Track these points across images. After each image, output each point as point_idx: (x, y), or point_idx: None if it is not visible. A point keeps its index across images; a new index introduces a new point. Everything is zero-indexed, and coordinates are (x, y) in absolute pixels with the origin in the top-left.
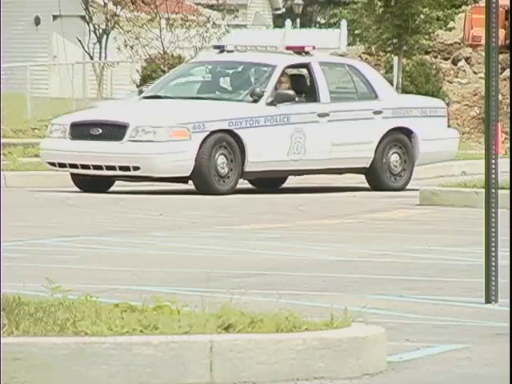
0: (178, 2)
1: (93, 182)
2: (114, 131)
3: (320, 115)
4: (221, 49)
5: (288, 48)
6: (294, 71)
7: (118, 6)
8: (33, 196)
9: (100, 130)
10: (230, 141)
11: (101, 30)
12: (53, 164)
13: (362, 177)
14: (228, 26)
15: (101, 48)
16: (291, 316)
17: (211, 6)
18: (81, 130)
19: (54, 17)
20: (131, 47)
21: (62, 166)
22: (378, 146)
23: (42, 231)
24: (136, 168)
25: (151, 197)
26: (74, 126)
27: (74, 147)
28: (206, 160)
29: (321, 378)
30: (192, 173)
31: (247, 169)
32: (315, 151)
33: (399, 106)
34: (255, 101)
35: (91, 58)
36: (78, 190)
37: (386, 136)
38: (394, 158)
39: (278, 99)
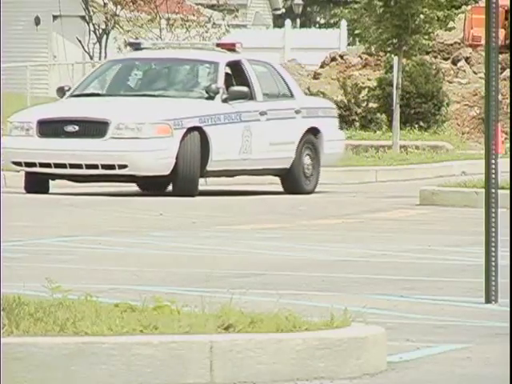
0: (178, 2)
1: (34, 183)
2: (92, 128)
3: (261, 113)
4: (135, 46)
5: (219, 45)
6: (227, 69)
7: (118, 6)
8: (33, 196)
9: (76, 128)
10: (201, 138)
11: (101, 30)
12: (18, 163)
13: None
14: (228, 26)
15: (101, 48)
16: (291, 316)
17: (211, 6)
18: (52, 128)
19: (54, 17)
20: None
21: (29, 165)
22: (297, 147)
23: (41, 231)
24: (122, 166)
25: (151, 197)
26: (42, 123)
27: (44, 145)
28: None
29: (321, 378)
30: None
31: (209, 168)
32: (259, 150)
33: (310, 106)
34: (211, 98)
35: (91, 58)
36: (23, 191)
37: (304, 136)
38: (306, 159)
39: (232, 96)
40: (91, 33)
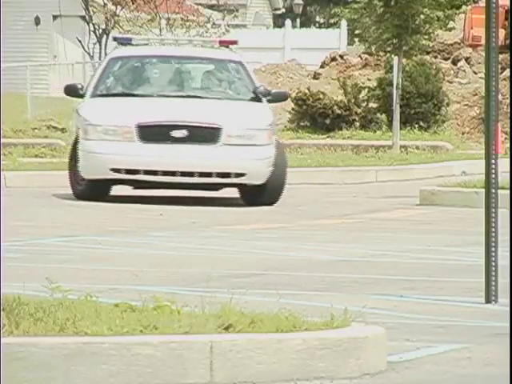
0: (178, 2)
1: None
2: (203, 134)
3: None
4: (125, 41)
5: (222, 42)
6: None
7: (118, 6)
8: (33, 196)
9: (185, 133)
10: None
11: (101, 30)
12: (117, 170)
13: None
14: (228, 26)
15: (101, 48)
16: (291, 316)
17: (211, 6)
18: (155, 133)
19: (54, 17)
20: None
21: (131, 172)
22: None
23: (42, 231)
24: (239, 175)
25: (151, 197)
26: (142, 127)
27: (149, 152)
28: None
29: (321, 378)
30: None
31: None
32: None
33: None
34: (259, 100)
35: (91, 57)
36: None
37: None
38: None
39: (276, 99)
40: (91, 33)
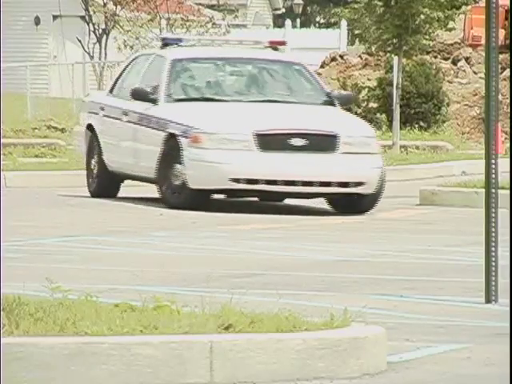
0: (178, 2)
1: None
2: (322, 142)
3: None
4: (174, 42)
5: (272, 43)
6: None
7: (118, 6)
8: (33, 196)
9: (304, 141)
10: None
11: (101, 30)
12: (237, 180)
13: None
14: (228, 26)
15: (101, 48)
16: (291, 316)
17: (211, 6)
18: (275, 141)
19: (54, 17)
20: (131, 47)
21: (252, 182)
22: None
23: (42, 231)
24: (359, 184)
25: (151, 197)
26: (261, 136)
27: (269, 161)
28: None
29: (321, 378)
30: None
31: None
32: None
33: None
34: (332, 104)
35: (91, 57)
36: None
37: None
38: None
39: (344, 102)
40: (91, 33)
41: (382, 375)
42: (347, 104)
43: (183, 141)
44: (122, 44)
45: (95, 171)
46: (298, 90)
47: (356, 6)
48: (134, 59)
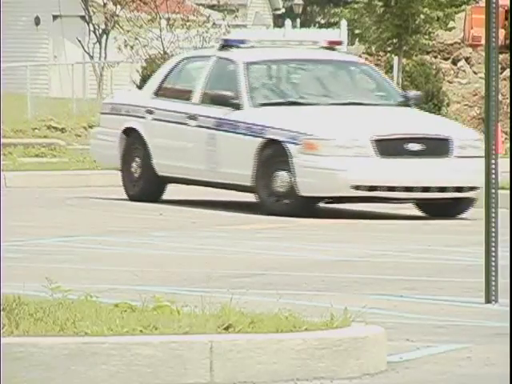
0: (178, 2)
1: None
2: (436, 146)
3: None
4: (236, 43)
5: (331, 43)
6: None
7: (118, 6)
8: (33, 196)
9: (420, 146)
10: None
11: (101, 30)
12: (358, 187)
13: None
14: (228, 26)
15: (101, 48)
16: (291, 316)
17: (211, 7)
18: (392, 147)
19: (54, 17)
20: (131, 47)
21: (372, 189)
22: None
23: (42, 231)
24: (473, 188)
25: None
26: (379, 141)
27: (389, 167)
28: None
29: (321, 378)
30: None
31: None
32: None
33: None
34: (408, 105)
35: (91, 58)
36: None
37: None
38: None
39: (418, 102)
40: (91, 33)
41: (381, 375)
42: (419, 104)
43: (292, 147)
44: (122, 44)
45: (136, 175)
46: (375, 91)
47: (356, 6)
48: (180, 61)
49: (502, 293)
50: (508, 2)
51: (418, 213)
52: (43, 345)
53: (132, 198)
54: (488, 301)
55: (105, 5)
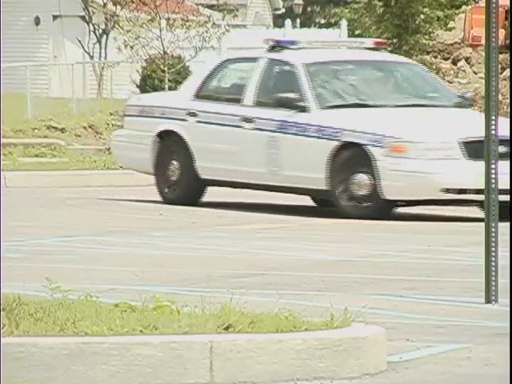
0: (178, 2)
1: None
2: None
3: None
4: (288, 44)
5: (377, 43)
6: None
7: (118, 6)
8: (33, 196)
9: (504, 148)
10: None
11: (101, 30)
12: (449, 190)
13: None
14: (228, 26)
15: (101, 48)
16: (291, 316)
17: (211, 6)
18: (480, 149)
19: (54, 17)
20: (131, 47)
21: (462, 192)
22: None
23: (42, 231)
24: None
25: (151, 197)
26: (467, 143)
27: (476, 169)
28: None
29: (321, 378)
30: None
31: None
32: None
33: None
34: (465, 106)
35: (91, 58)
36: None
37: None
38: None
39: (470, 104)
40: (91, 33)
41: (381, 375)
42: (471, 106)
43: (375, 150)
44: (122, 44)
45: (174, 178)
46: (430, 92)
47: (356, 6)
48: (221, 63)
49: (501, 293)
50: (508, 2)
51: (418, 212)
52: (43, 345)
53: (169, 202)
54: (488, 301)
55: (105, 5)
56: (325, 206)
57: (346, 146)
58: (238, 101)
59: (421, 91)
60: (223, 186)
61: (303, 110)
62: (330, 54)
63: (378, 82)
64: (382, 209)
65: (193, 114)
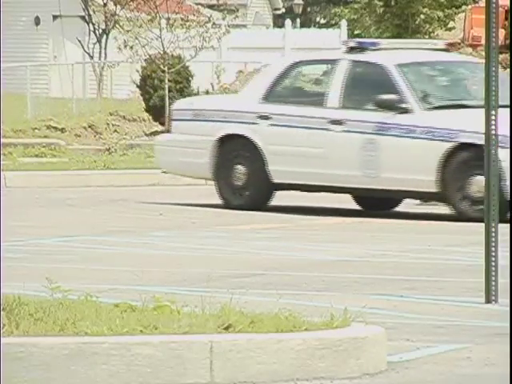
0: (178, 2)
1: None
2: None
3: None
4: (370, 46)
5: (449, 44)
6: None
7: (118, 6)
8: (33, 196)
9: None
10: None
11: (101, 30)
12: None
13: None
14: (228, 26)
15: (101, 48)
16: (291, 316)
17: (211, 6)
18: None
19: (54, 17)
20: (131, 47)
21: None
22: None
23: (42, 231)
24: None
25: (151, 197)
26: None
27: None
28: None
29: (321, 378)
30: None
31: None
32: None
33: None
34: None
35: (91, 58)
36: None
37: None
38: None
39: None
40: (91, 33)
41: (382, 375)
42: None
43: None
44: (122, 44)
45: (239, 183)
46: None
47: (356, 5)
48: (291, 65)
49: (502, 293)
50: (508, 2)
51: (419, 212)
52: (43, 345)
53: (235, 207)
54: (488, 301)
55: (105, 5)
56: (372, 209)
57: (463, 147)
58: (319, 103)
59: (505, 92)
60: (299, 189)
61: (404, 111)
62: (415, 55)
63: (467, 83)
64: (502, 210)
65: (265, 117)
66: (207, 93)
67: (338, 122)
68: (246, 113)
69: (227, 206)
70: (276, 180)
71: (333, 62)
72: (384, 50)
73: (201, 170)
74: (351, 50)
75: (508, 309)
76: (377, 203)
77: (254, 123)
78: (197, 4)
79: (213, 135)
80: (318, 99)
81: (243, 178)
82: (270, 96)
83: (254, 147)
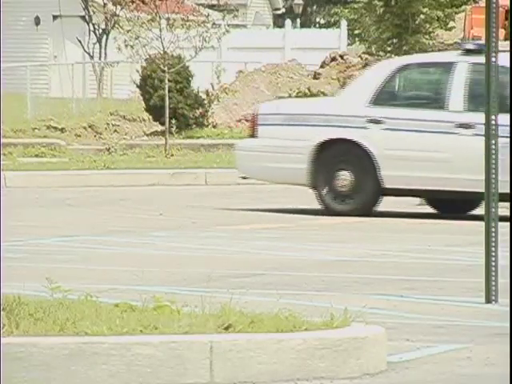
0: (178, 2)
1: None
2: None
3: None
4: (481, 48)
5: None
6: None
7: (118, 6)
8: (33, 196)
9: None
10: None
11: (101, 30)
12: None
13: None
14: (228, 25)
15: (101, 48)
16: (291, 316)
17: (211, 6)
18: None
19: (54, 17)
20: (131, 47)
21: None
22: None
23: (41, 231)
24: None
25: (151, 197)
26: None
27: None
28: None
29: (321, 378)
30: None
31: None
32: None
33: None
34: None
35: (91, 57)
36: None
37: None
38: None
39: None
40: (91, 33)
41: (382, 375)
42: None
43: None
44: (122, 44)
45: (344, 189)
46: None
47: (356, 5)
48: (399, 68)
49: (502, 293)
50: (508, 2)
51: (418, 212)
52: (43, 345)
53: (341, 213)
54: (488, 301)
55: (105, 5)
56: (447, 212)
57: None
58: (439, 106)
59: None
60: (411, 195)
61: None
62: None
63: None
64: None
65: (376, 121)
66: (207, 93)
67: (467, 126)
68: (353, 117)
69: (329, 212)
70: (388, 185)
71: (448, 64)
72: (501, 53)
73: (295, 176)
74: (468, 52)
75: (508, 309)
76: (453, 206)
77: (363, 127)
78: (197, 4)
79: (311, 140)
80: (436, 102)
81: (348, 183)
82: (378, 99)
83: (362, 152)
